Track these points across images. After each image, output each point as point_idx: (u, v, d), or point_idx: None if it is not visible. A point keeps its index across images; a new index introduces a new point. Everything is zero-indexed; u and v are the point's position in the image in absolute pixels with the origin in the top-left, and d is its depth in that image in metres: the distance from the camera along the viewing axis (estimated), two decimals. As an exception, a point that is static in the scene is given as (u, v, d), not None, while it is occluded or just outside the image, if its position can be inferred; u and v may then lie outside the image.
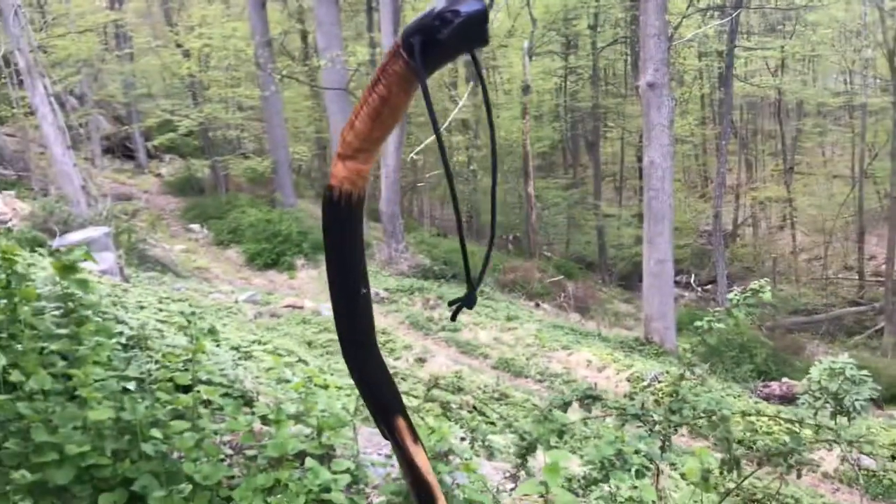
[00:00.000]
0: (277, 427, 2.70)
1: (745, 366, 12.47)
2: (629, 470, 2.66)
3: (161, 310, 7.74)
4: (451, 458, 2.77)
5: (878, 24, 22.85)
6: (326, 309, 14.45)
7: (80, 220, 14.79)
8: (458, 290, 17.65)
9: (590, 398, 3.47)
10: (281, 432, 2.67)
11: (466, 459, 2.73)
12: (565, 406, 3.58)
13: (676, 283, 20.45)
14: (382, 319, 14.42)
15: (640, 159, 27.92)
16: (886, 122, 24.73)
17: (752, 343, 13.54)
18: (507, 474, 4.04)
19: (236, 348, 7.22)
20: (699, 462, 3.78)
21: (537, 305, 18.12)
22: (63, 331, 2.99)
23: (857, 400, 4.34)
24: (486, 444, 4.82)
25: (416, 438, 1.23)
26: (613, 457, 2.64)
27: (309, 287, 17.13)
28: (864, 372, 4.26)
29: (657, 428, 3.18)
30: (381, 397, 1.23)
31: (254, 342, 8.20)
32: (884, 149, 25.46)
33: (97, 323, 3.14)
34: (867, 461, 9.74)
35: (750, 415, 3.26)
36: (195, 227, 20.94)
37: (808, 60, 28.15)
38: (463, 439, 5.00)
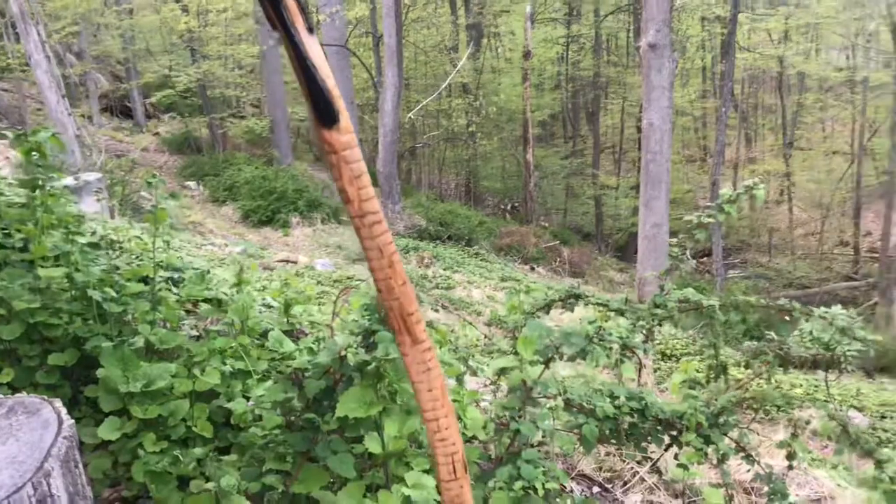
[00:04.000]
0: (238, 290, 2.58)
1: (738, 327, 12.35)
2: (609, 348, 2.54)
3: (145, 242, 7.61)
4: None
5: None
6: (321, 265, 14.41)
7: (74, 170, 14.63)
8: (455, 251, 17.59)
9: (573, 297, 3.35)
10: (242, 297, 2.55)
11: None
12: (548, 306, 3.47)
13: (671, 256, 20.34)
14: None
15: (639, 130, 27.67)
16: (887, 98, 24.47)
17: (744, 307, 13.42)
18: (488, 382, 3.94)
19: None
20: (684, 373, 3.67)
21: (532, 269, 18.02)
22: (21, 199, 2.86)
23: (848, 351, 4.22)
24: (470, 363, 4.71)
25: (310, 29, 1.09)
26: (594, 334, 2.52)
27: (303, 244, 17.00)
28: (858, 323, 4.14)
29: (640, 323, 3.06)
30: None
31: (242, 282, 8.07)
32: (883, 125, 25.22)
33: (58, 200, 3.00)
34: (858, 419, 9.72)
35: (738, 307, 3.15)
36: (191, 184, 20.77)
37: (811, 34, 27.80)
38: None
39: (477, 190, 25.94)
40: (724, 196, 3.33)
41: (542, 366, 2.30)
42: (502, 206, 26.59)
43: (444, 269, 15.08)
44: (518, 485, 1.93)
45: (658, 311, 3.09)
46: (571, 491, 2.95)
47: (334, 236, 17.83)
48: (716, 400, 2.64)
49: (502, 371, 3.07)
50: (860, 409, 10.11)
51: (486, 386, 4.07)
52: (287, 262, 14.64)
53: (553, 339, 2.33)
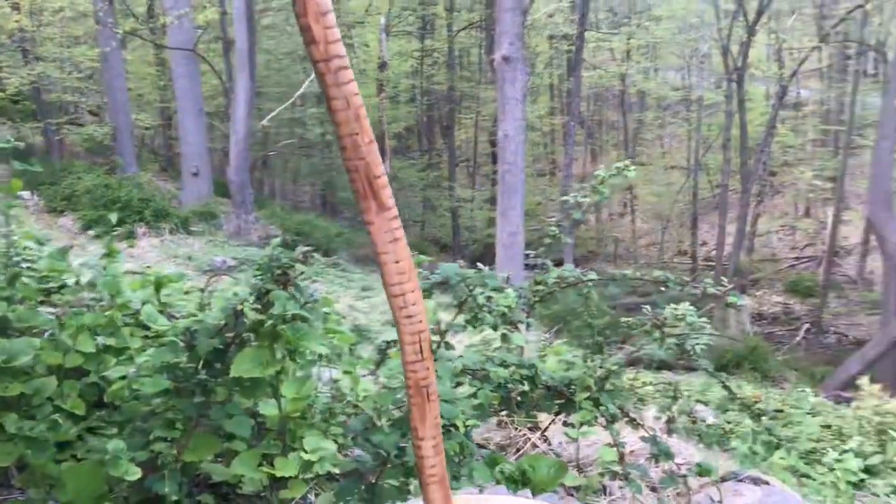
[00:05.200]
0: (108, 264, 2.38)
1: (589, 330, 12.87)
2: (498, 316, 2.54)
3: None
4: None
5: (715, 22, 24.28)
6: (169, 275, 13.77)
7: None
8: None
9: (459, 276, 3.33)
10: (111, 267, 2.36)
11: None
12: (431, 288, 3.44)
13: (525, 266, 21.01)
14: (234, 288, 13.86)
15: (492, 144, 28.36)
16: (719, 116, 26.34)
17: (597, 312, 14.00)
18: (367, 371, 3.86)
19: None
20: (557, 355, 3.74)
21: (391, 279, 18.02)
22: None
23: (697, 344, 4.42)
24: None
25: None
26: (485, 301, 2.51)
27: (150, 255, 16.18)
28: (704, 319, 4.36)
29: (521, 300, 3.09)
30: None
31: (112, 251, 7.57)
32: (716, 142, 27.12)
33: None
34: (704, 412, 10.35)
35: (615, 280, 3.24)
36: (24, 193, 19.36)
37: (650, 54, 29.52)
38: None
39: (334, 201, 25.70)
40: (598, 177, 3.43)
41: (456, 309, 2.27)
42: (360, 219, 26.48)
43: (303, 280, 14.81)
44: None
45: (539, 287, 3.14)
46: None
47: (183, 247, 17.14)
48: (601, 367, 2.70)
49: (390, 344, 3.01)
50: (706, 404, 10.84)
51: (363, 376, 3.99)
52: (133, 273, 13.91)
53: (468, 281, 2.30)
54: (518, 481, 2.17)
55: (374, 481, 1.85)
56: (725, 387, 2.81)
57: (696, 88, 27.45)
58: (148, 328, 2.37)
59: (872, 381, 7.27)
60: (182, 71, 19.02)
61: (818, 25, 25.65)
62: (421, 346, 1.03)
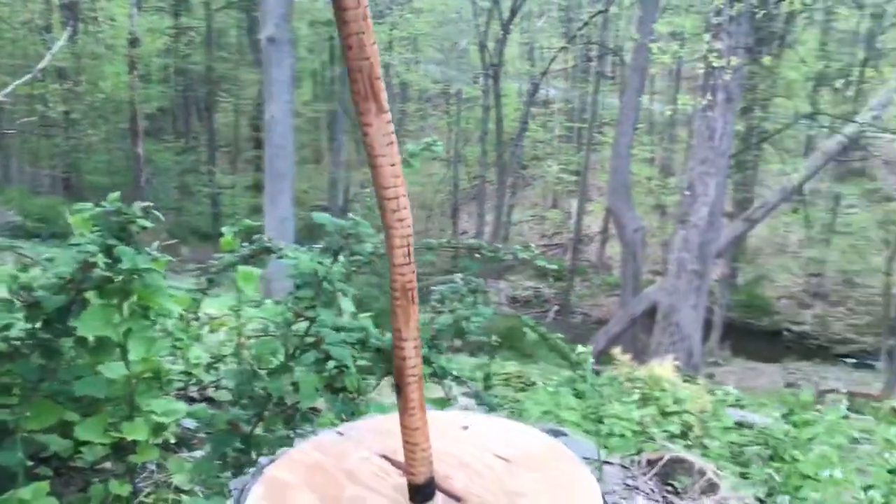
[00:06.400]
0: None
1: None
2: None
3: None
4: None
5: (472, 18, 25.39)
6: None
7: None
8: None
9: (266, 251, 3.25)
10: None
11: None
12: (235, 263, 3.33)
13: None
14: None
15: (255, 129, 27.63)
16: (477, 110, 27.65)
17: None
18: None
19: None
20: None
21: (150, 267, 17.05)
22: None
23: (474, 323, 4.65)
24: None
25: None
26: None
27: None
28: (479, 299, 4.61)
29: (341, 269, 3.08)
30: None
31: None
32: (475, 135, 28.44)
33: None
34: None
35: (432, 249, 3.34)
36: None
37: (412, 45, 30.18)
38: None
39: (80, 184, 23.73)
40: (409, 151, 3.49)
41: (332, 257, 2.22)
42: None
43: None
44: (331, 364, 1.87)
45: (359, 257, 3.14)
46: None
47: None
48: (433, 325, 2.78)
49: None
50: (475, 381, 11.56)
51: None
52: None
53: (342, 230, 2.26)
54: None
55: (251, 431, 1.77)
56: (543, 337, 2.99)
57: (455, 82, 28.53)
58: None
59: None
60: None
61: (565, 28, 27.76)
62: (409, 250, 1.10)
